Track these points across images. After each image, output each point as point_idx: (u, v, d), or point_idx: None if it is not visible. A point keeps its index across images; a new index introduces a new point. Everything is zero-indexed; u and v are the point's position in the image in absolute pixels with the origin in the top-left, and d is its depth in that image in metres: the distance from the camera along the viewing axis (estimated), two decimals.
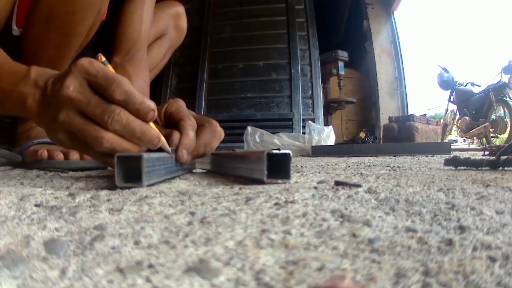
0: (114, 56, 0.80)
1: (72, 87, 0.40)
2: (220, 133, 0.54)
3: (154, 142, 0.42)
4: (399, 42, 3.50)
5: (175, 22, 1.08)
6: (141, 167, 0.39)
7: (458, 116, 4.72)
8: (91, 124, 0.41)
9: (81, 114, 0.41)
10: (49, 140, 0.79)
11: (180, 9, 1.09)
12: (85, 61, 0.41)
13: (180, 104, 0.54)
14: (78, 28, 0.71)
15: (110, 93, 0.40)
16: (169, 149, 0.47)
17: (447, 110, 4.96)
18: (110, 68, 0.44)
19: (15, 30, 0.74)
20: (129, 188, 0.40)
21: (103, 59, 0.45)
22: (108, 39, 0.85)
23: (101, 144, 0.41)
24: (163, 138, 0.45)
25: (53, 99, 0.43)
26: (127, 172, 0.40)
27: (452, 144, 2.14)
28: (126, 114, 0.41)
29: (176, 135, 0.49)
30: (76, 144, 0.44)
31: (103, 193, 0.38)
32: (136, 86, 0.71)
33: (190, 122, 0.50)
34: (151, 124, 0.44)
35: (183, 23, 1.10)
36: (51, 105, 0.43)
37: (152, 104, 0.42)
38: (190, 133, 0.49)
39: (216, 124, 0.54)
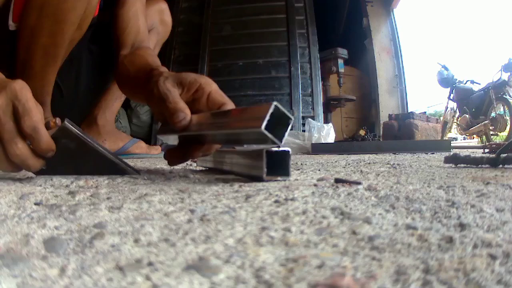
0: (120, 51, 0.84)
1: None
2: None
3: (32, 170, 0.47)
4: (398, 39, 3.49)
5: (160, 17, 1.18)
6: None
7: (458, 113, 4.72)
8: None
9: None
10: None
11: (164, 5, 1.19)
12: (18, 85, 0.44)
13: (215, 86, 0.52)
14: (69, 16, 0.78)
15: (22, 123, 0.43)
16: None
17: (447, 107, 4.95)
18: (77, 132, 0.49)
19: (11, 25, 0.79)
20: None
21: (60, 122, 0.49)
22: (105, 39, 0.91)
23: None
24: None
25: None
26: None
27: (452, 142, 2.14)
28: (26, 151, 0.44)
29: None
30: None
31: (103, 191, 0.38)
32: (150, 60, 0.72)
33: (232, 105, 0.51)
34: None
35: (168, 17, 1.21)
36: None
37: (52, 146, 0.46)
38: None
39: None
